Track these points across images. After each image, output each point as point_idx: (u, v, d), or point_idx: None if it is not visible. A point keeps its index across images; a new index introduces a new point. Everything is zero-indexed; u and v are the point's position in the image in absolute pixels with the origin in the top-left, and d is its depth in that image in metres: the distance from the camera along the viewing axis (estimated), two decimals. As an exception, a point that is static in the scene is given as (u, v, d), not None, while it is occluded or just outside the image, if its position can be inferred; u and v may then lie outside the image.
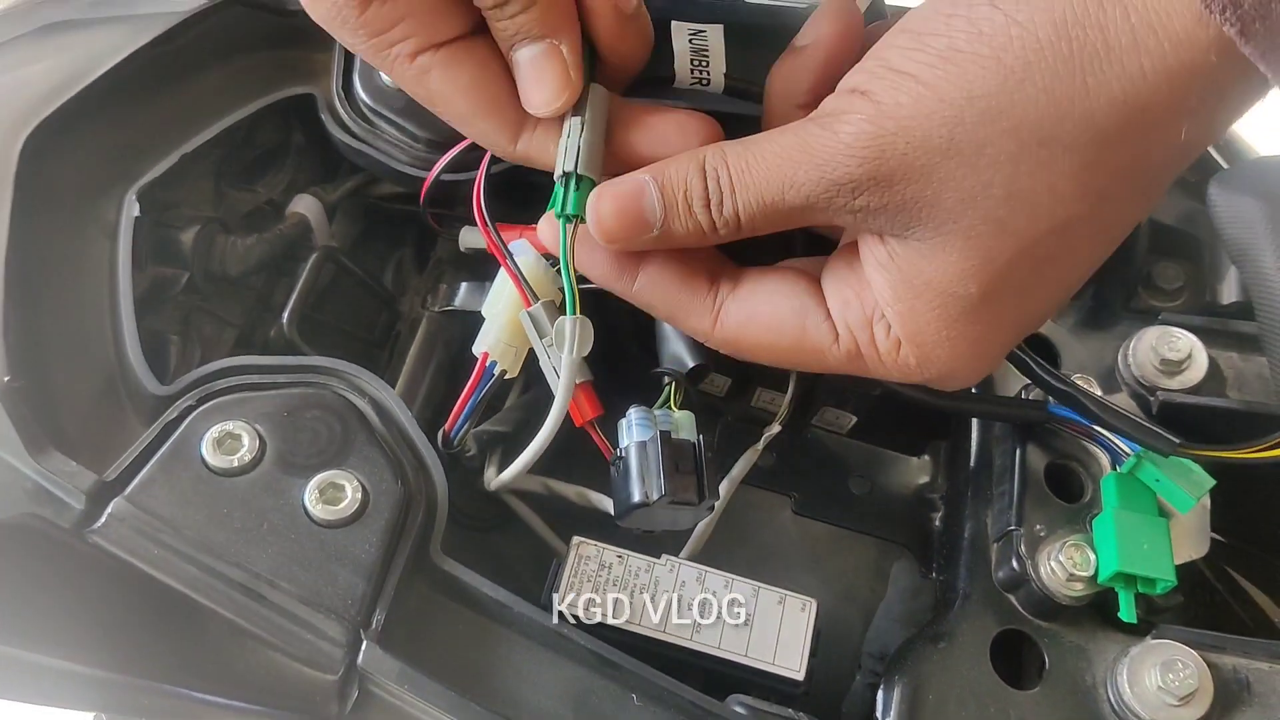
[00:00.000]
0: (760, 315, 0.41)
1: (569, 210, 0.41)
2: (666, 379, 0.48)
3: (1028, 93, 0.32)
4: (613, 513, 0.45)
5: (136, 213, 0.50)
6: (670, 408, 0.47)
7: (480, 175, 0.47)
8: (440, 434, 0.49)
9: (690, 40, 0.46)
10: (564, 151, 0.41)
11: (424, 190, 0.52)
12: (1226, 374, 0.53)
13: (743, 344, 0.41)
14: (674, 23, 0.46)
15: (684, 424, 0.46)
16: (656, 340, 0.49)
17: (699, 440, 0.45)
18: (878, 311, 0.38)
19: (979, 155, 0.33)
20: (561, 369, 0.43)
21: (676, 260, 0.41)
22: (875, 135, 0.34)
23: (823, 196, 0.36)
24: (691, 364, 0.48)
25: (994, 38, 0.33)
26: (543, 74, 0.40)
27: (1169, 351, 0.51)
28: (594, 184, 0.41)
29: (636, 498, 0.44)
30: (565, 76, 0.40)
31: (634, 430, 0.45)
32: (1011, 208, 0.34)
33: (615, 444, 0.47)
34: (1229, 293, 0.55)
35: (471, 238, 0.51)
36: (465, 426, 0.49)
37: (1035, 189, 0.33)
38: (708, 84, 0.48)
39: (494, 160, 0.47)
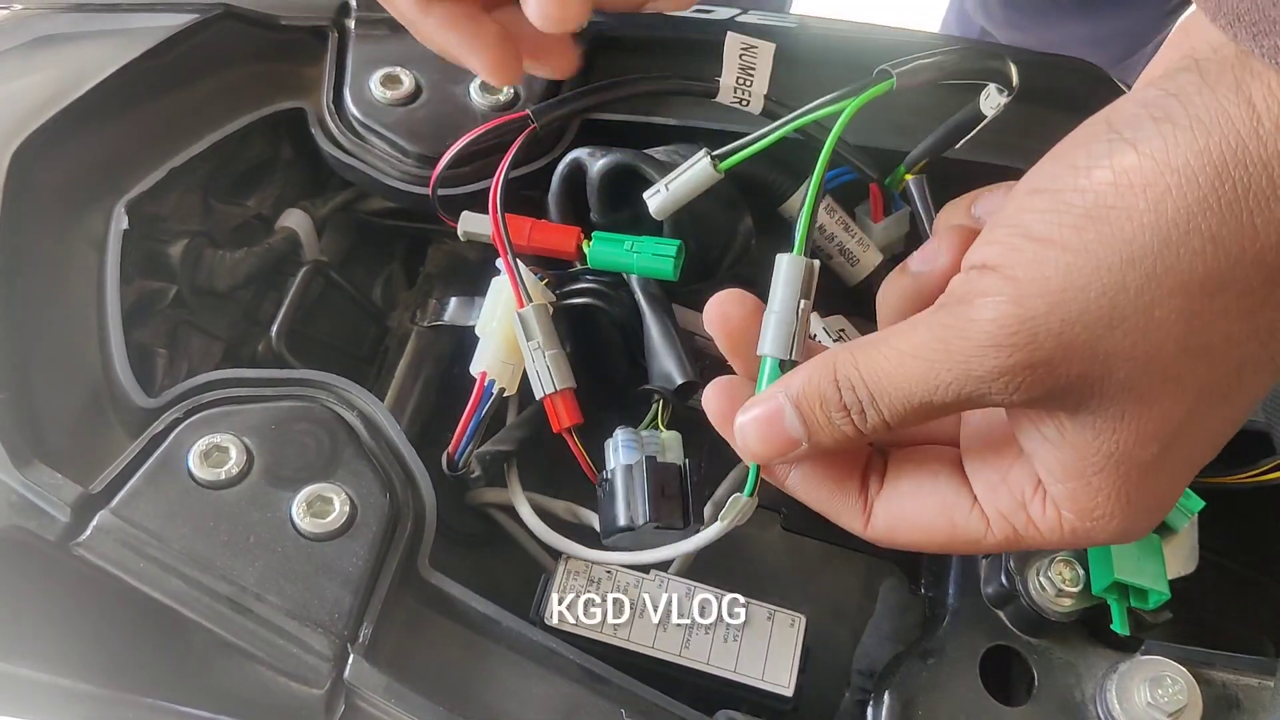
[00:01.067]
0: (908, 515, 0.38)
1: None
2: (655, 396, 0.48)
3: (1194, 245, 0.29)
4: (600, 533, 0.45)
5: (125, 226, 0.50)
6: (658, 426, 0.47)
7: (503, 165, 0.47)
8: (445, 457, 0.49)
9: (740, 55, 0.46)
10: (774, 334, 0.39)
11: (433, 177, 0.51)
12: (1213, 391, 0.53)
13: (898, 541, 0.39)
14: (730, 34, 0.46)
15: (671, 445, 0.46)
16: (645, 357, 0.49)
17: (685, 464, 0.45)
18: (1030, 490, 0.35)
19: (1148, 320, 0.30)
20: (712, 528, 0.43)
21: (826, 460, 0.39)
22: (1023, 319, 0.31)
23: (975, 392, 0.32)
24: (680, 381, 0.48)
25: (1148, 189, 0.29)
26: None
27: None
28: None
29: (622, 521, 0.44)
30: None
31: (620, 453, 0.45)
32: (1187, 363, 0.31)
33: (600, 462, 0.47)
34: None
35: (472, 224, 0.51)
36: (469, 447, 0.49)
37: (1211, 341, 0.31)
38: (747, 104, 0.48)
39: (513, 163, 0.47)
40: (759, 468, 0.40)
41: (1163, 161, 0.29)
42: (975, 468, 0.37)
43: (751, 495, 0.40)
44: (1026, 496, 0.35)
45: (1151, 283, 0.30)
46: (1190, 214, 0.29)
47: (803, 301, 0.39)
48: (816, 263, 0.39)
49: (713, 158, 0.42)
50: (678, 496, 0.44)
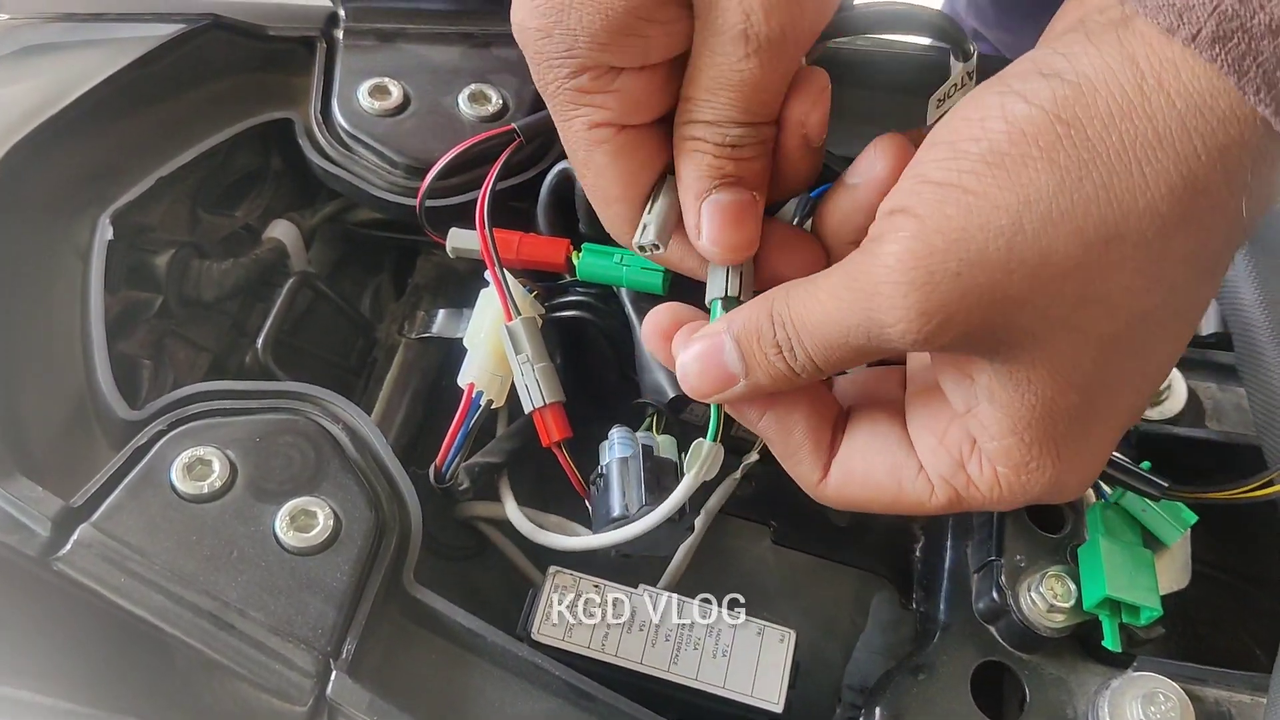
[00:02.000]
0: (859, 474, 0.39)
1: None
2: (649, 409, 0.48)
3: (1087, 192, 0.30)
4: (591, 530, 0.45)
5: (110, 236, 0.49)
6: (653, 432, 0.47)
7: (489, 180, 0.47)
8: (432, 469, 0.48)
9: None
10: (725, 277, 0.40)
11: (420, 193, 0.51)
12: (1205, 404, 0.53)
13: (847, 499, 0.39)
14: None
15: (666, 446, 0.46)
16: (637, 370, 0.49)
17: (681, 460, 0.45)
18: (967, 449, 0.36)
19: (1044, 265, 0.31)
20: (683, 483, 0.43)
21: (797, 406, 0.39)
22: (919, 256, 0.31)
23: (880, 334, 0.33)
24: (672, 394, 0.47)
25: (1040, 137, 0.30)
26: (738, 223, 0.38)
27: (1149, 382, 0.51)
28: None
29: (616, 510, 0.43)
30: (755, 231, 0.38)
31: (615, 448, 0.45)
32: (1087, 313, 0.32)
33: (590, 474, 0.46)
34: (1208, 324, 0.55)
35: (461, 240, 0.51)
36: (456, 460, 0.48)
37: (1108, 291, 0.31)
38: None
39: (501, 174, 0.47)
40: (720, 410, 0.40)
41: (1052, 113, 0.30)
42: (916, 430, 0.38)
43: (715, 440, 0.41)
44: (964, 456, 0.36)
45: (1048, 227, 0.30)
46: (1081, 162, 0.30)
47: None
48: None
49: None
50: (672, 488, 0.44)
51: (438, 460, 0.48)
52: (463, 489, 0.50)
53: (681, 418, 0.56)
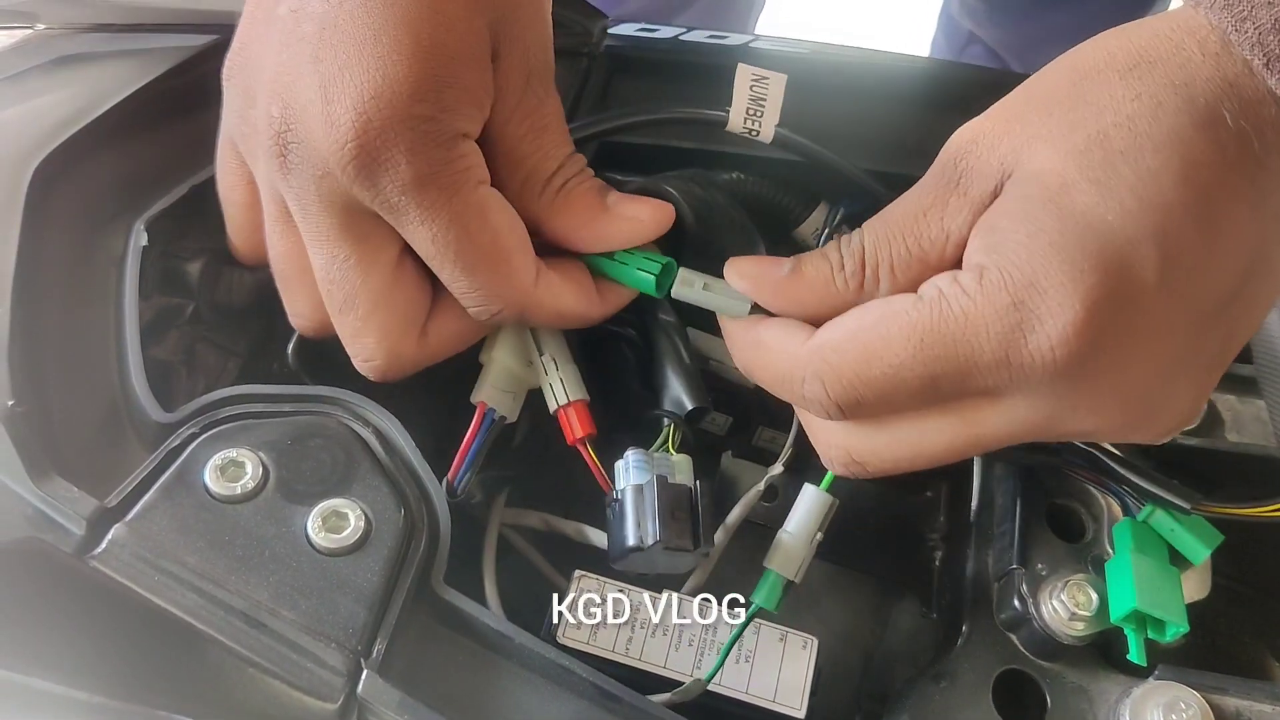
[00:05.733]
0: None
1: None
2: (666, 420, 0.48)
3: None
4: (609, 554, 0.45)
5: (144, 243, 0.50)
6: (669, 450, 0.47)
7: None
8: (444, 483, 0.49)
9: (751, 86, 0.46)
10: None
11: None
12: (1225, 416, 0.53)
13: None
14: (740, 65, 0.46)
15: (682, 468, 0.46)
16: (657, 380, 0.49)
17: (696, 486, 0.45)
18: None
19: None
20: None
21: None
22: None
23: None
24: (690, 407, 0.48)
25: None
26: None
27: (1168, 394, 0.52)
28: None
29: (631, 541, 0.44)
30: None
31: (631, 473, 0.45)
32: (1060, 120, 0.36)
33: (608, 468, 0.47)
34: (1227, 337, 0.55)
35: None
36: (468, 475, 0.49)
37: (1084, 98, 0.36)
38: (757, 134, 0.48)
39: None
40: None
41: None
42: None
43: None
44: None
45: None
46: None
47: (818, 534, 0.46)
48: (837, 501, 0.46)
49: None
50: (687, 519, 0.44)
51: (449, 475, 0.48)
52: (475, 502, 0.50)
53: (701, 426, 0.57)
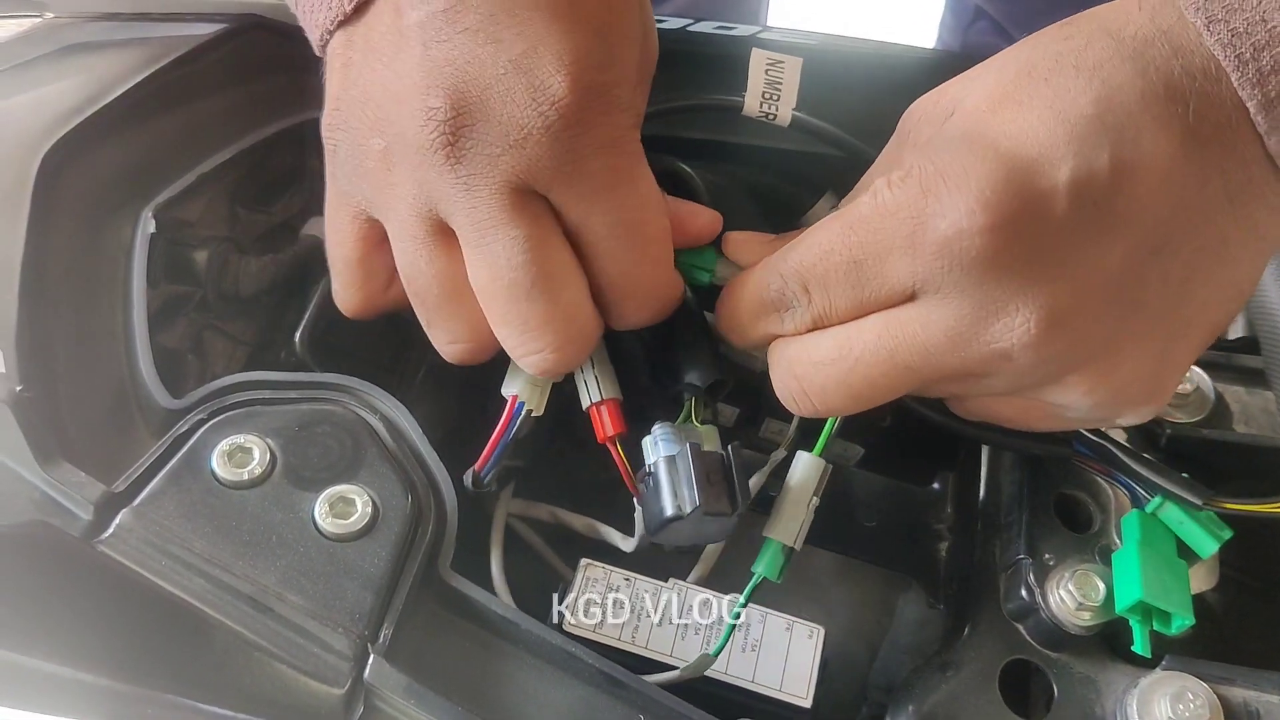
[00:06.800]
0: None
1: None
2: (687, 394, 0.48)
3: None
4: (644, 530, 0.45)
5: (152, 230, 0.50)
6: (693, 422, 0.47)
7: None
8: (470, 474, 0.49)
9: (767, 70, 0.46)
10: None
11: None
12: (1233, 408, 0.53)
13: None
14: (755, 50, 0.46)
15: (709, 437, 0.46)
16: (675, 358, 0.49)
17: (727, 451, 0.45)
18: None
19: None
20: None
21: None
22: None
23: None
24: (711, 379, 0.48)
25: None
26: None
27: (1176, 385, 0.52)
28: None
29: (669, 511, 0.43)
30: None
31: (660, 446, 0.45)
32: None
33: (636, 469, 0.46)
34: (1235, 328, 0.55)
35: None
36: (495, 467, 0.49)
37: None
38: (774, 117, 0.48)
39: None
40: (833, 425, 0.45)
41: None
42: None
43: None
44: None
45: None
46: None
47: (815, 499, 0.45)
48: (830, 466, 0.46)
49: None
50: (723, 483, 0.44)
51: (476, 466, 0.48)
52: (491, 491, 0.50)
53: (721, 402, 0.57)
